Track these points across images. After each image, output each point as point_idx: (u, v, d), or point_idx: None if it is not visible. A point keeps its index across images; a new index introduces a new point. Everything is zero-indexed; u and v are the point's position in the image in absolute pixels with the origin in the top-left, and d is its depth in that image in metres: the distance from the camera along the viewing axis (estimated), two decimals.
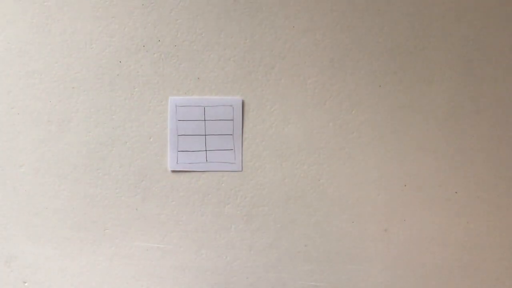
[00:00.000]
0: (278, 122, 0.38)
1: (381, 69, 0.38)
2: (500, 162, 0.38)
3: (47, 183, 0.38)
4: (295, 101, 0.38)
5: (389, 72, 0.38)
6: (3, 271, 0.34)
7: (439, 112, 0.38)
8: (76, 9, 0.38)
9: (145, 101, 0.38)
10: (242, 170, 0.38)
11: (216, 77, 0.38)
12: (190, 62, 0.38)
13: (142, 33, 0.38)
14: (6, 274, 0.37)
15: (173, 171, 0.38)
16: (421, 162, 0.38)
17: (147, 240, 0.37)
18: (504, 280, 0.38)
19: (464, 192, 0.38)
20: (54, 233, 0.37)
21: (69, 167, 0.38)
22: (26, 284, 0.37)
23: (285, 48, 0.38)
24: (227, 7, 0.37)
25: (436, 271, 0.38)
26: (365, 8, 0.38)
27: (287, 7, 0.38)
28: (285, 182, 0.38)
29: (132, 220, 0.38)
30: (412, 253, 0.38)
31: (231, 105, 0.38)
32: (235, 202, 0.38)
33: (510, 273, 0.38)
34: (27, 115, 0.38)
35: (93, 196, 0.38)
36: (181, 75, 0.38)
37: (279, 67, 0.38)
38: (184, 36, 0.38)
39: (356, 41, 0.38)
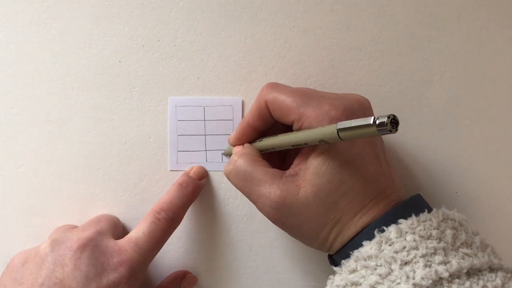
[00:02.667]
0: None
1: (381, 69, 0.38)
2: (500, 162, 0.39)
3: (47, 183, 0.39)
4: None
5: (389, 72, 0.38)
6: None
7: (439, 112, 0.38)
8: (76, 9, 0.38)
9: (144, 101, 0.38)
10: None
11: (216, 77, 0.38)
12: (190, 62, 0.38)
13: (141, 33, 0.38)
14: None
15: (173, 171, 0.38)
16: (420, 162, 0.38)
17: None
18: None
19: (464, 192, 0.39)
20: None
21: (69, 167, 0.39)
22: None
23: (285, 48, 0.38)
24: (227, 7, 0.38)
25: None
26: (365, 8, 0.38)
27: (287, 7, 0.38)
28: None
29: (132, 220, 0.39)
30: None
31: (231, 105, 0.38)
32: (235, 202, 0.39)
33: None
34: (26, 115, 0.39)
35: (93, 196, 0.38)
36: (181, 75, 0.38)
37: (279, 67, 0.38)
38: (184, 36, 0.38)
39: (356, 41, 0.38)
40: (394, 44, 0.38)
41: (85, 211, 0.39)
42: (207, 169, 0.39)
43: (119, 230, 0.37)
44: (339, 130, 0.26)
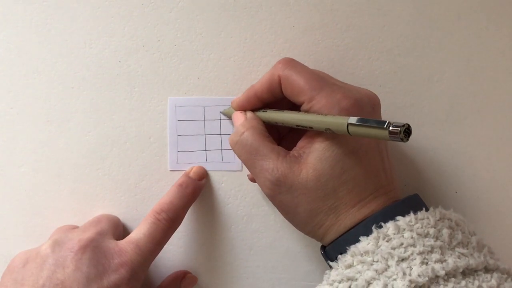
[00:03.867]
0: None
1: (381, 69, 0.38)
2: (500, 162, 0.39)
3: (47, 183, 0.39)
4: None
5: (389, 72, 0.39)
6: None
7: (439, 112, 0.39)
8: (76, 9, 0.38)
9: (144, 101, 0.39)
10: (242, 170, 0.39)
11: (216, 77, 0.38)
12: (190, 62, 0.39)
13: (141, 33, 0.38)
14: None
15: (173, 171, 0.39)
16: (420, 162, 0.39)
17: None
18: None
19: (464, 192, 0.39)
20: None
21: (69, 167, 0.39)
22: None
23: (285, 48, 0.39)
24: (227, 7, 0.38)
25: None
26: (365, 8, 0.38)
27: (287, 7, 0.38)
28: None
29: (132, 220, 0.39)
30: None
31: (230, 105, 0.38)
32: (235, 202, 0.39)
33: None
34: (26, 115, 0.39)
35: (93, 196, 0.39)
36: (181, 75, 0.39)
37: None
38: (184, 36, 0.38)
39: (356, 41, 0.38)
40: (394, 44, 0.39)
41: (85, 211, 0.39)
42: (207, 169, 0.39)
43: (120, 230, 0.37)
44: (349, 124, 0.27)
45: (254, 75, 0.39)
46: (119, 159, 0.39)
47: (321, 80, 0.32)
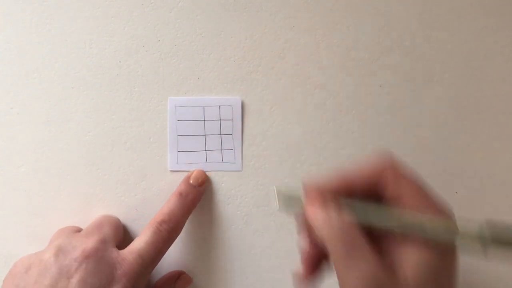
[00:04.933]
0: (278, 122, 0.39)
1: (381, 69, 0.38)
2: (500, 162, 0.39)
3: (47, 183, 0.39)
4: (295, 101, 0.39)
5: (389, 72, 0.39)
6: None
7: (439, 112, 0.39)
8: (76, 9, 0.39)
9: (144, 101, 0.39)
10: (242, 170, 0.39)
11: (216, 77, 0.39)
12: (190, 62, 0.39)
13: (141, 33, 0.39)
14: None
15: (173, 171, 0.39)
16: (421, 162, 0.39)
17: None
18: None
19: (464, 192, 0.39)
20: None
21: (69, 167, 0.39)
22: None
23: (285, 48, 0.39)
24: (227, 7, 0.38)
25: None
26: (365, 8, 0.38)
27: (287, 7, 0.38)
28: (285, 182, 0.38)
29: (132, 220, 0.39)
30: None
31: (230, 105, 0.38)
32: (235, 202, 0.39)
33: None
34: (27, 115, 0.39)
35: (93, 196, 0.39)
36: (181, 75, 0.39)
37: (279, 67, 0.39)
38: (184, 36, 0.38)
39: (356, 41, 0.38)
40: (394, 44, 0.39)
41: (85, 211, 0.39)
42: (207, 169, 0.39)
43: (121, 232, 0.38)
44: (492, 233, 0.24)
45: (254, 75, 0.39)
46: (119, 159, 0.39)
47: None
